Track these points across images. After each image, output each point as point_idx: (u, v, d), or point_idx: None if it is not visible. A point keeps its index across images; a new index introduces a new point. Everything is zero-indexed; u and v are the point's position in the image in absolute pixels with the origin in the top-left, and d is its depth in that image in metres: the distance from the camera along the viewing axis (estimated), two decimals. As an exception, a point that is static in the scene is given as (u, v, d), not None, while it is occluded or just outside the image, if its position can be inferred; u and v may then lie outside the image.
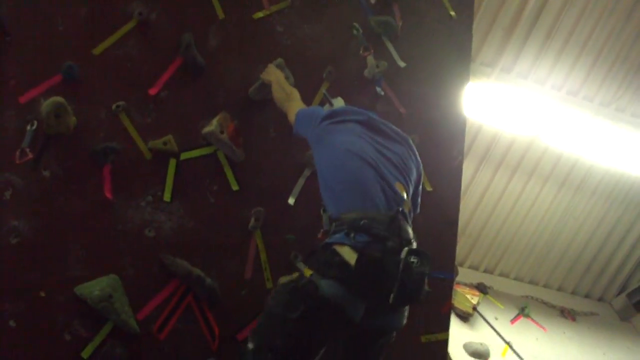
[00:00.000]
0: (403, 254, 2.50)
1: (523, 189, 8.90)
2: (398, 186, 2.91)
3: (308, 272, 2.65)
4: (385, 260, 2.52)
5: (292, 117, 3.36)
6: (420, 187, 3.32)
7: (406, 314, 2.85)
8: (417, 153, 3.28)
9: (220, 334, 3.39)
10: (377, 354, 2.87)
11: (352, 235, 2.62)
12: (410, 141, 3.28)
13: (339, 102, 3.62)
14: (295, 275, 2.78)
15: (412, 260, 2.50)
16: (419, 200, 3.33)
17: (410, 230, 2.77)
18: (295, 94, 3.53)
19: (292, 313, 2.56)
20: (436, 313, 4.14)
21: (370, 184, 2.82)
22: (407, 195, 2.97)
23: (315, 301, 2.57)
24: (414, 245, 2.67)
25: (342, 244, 2.63)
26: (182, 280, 3.33)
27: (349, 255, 2.57)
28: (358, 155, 2.89)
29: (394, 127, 3.27)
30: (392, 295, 2.46)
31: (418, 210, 3.30)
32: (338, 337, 2.82)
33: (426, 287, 2.57)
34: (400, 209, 2.77)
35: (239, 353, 2.75)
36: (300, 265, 3.57)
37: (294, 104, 3.44)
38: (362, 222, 2.64)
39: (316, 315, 2.58)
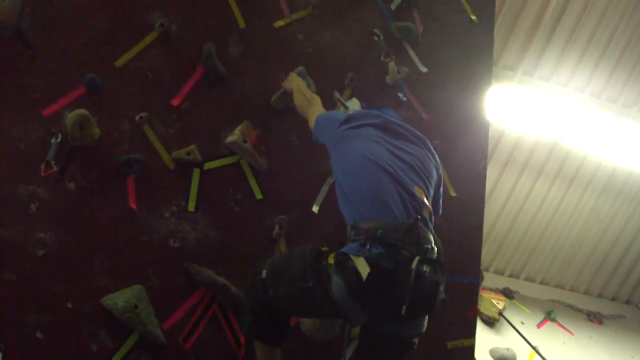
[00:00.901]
0: (414, 264, 2.44)
1: (547, 192, 8.86)
2: (417, 191, 2.81)
3: (332, 260, 2.65)
4: (399, 271, 2.47)
5: (312, 122, 3.33)
6: (441, 188, 3.27)
7: (424, 322, 2.82)
8: (435, 154, 3.19)
9: (246, 342, 3.38)
10: (392, 356, 2.85)
11: (367, 246, 2.57)
12: (429, 142, 3.20)
13: (353, 104, 3.59)
14: (325, 249, 2.79)
15: (424, 269, 2.47)
16: (441, 202, 3.28)
17: (430, 237, 2.70)
18: (316, 99, 3.50)
19: (301, 282, 2.64)
20: (462, 319, 4.10)
21: (387, 191, 2.73)
22: (427, 199, 2.87)
23: (322, 289, 2.60)
24: (430, 252, 2.63)
25: (357, 255, 2.57)
26: (207, 289, 3.34)
27: (362, 267, 2.51)
28: (374, 161, 2.81)
29: (411, 128, 3.18)
30: (403, 307, 2.42)
31: (440, 212, 3.26)
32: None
33: (442, 295, 2.53)
34: (419, 215, 2.69)
35: (252, 274, 2.84)
36: None
37: (314, 109, 3.41)
38: (378, 232, 2.57)
39: (319, 299, 2.63)
